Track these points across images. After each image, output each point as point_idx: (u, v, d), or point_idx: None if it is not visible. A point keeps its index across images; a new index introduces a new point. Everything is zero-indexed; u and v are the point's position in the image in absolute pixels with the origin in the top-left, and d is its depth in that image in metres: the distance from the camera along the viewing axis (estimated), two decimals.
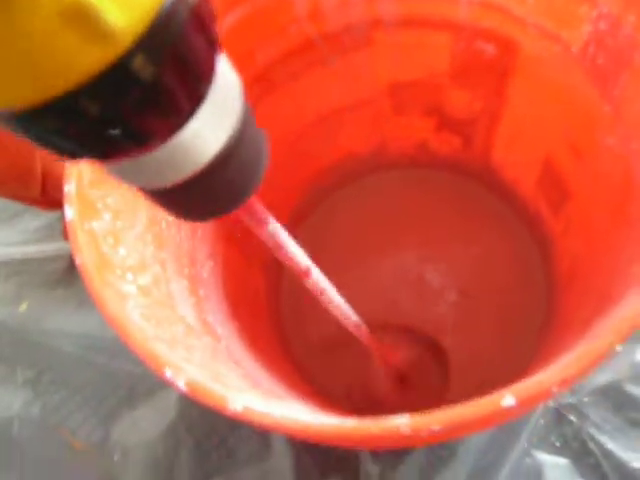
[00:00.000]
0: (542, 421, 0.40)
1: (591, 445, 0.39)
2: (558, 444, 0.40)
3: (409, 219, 0.42)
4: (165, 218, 0.26)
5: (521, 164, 0.35)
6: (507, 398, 0.14)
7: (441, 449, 0.39)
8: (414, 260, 0.40)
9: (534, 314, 0.36)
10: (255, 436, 0.39)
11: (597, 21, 0.23)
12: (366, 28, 0.31)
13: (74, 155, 0.11)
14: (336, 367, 0.38)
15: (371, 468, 0.38)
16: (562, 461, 0.39)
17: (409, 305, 0.39)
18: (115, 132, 0.10)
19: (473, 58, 0.31)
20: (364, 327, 0.28)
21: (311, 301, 0.39)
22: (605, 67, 0.24)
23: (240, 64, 0.29)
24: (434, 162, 0.41)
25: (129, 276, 0.21)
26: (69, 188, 0.20)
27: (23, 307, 0.46)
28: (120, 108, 0.10)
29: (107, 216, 0.22)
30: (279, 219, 0.41)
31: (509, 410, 0.14)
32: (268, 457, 0.40)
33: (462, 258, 0.39)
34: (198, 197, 0.13)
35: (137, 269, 0.22)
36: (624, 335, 0.14)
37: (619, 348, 0.16)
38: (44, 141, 0.10)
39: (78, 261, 0.19)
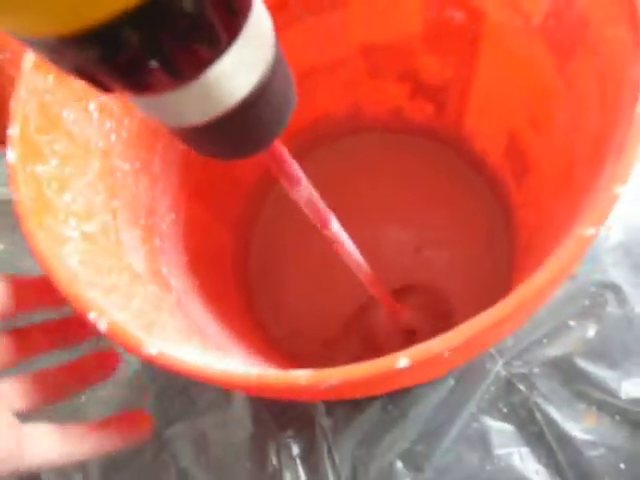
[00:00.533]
0: (492, 388, 0.41)
1: (537, 414, 0.41)
2: (505, 411, 0.41)
3: (383, 182, 0.42)
4: (121, 169, 0.27)
5: (489, 134, 0.36)
6: (402, 360, 0.14)
7: (394, 409, 0.40)
8: (389, 222, 0.41)
9: (499, 279, 0.37)
10: (215, 387, 0.40)
11: None
12: None
13: (109, 87, 0.11)
14: (304, 334, 0.39)
15: (325, 421, 0.40)
16: (508, 427, 0.41)
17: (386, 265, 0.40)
18: (154, 63, 0.10)
19: (444, 24, 0.30)
20: (378, 281, 0.28)
21: (282, 265, 0.40)
22: (562, 41, 0.24)
23: None
24: (408, 128, 0.41)
25: (72, 222, 0.21)
26: (13, 131, 0.20)
27: None
28: (162, 38, 0.10)
29: (54, 162, 0.22)
30: (255, 179, 0.41)
31: (403, 371, 0.15)
32: (228, 407, 0.41)
33: (433, 219, 0.40)
34: (228, 136, 0.14)
35: (83, 216, 0.22)
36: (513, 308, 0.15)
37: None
38: (83, 71, 0.11)
39: (14, 199, 0.19)
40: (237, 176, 0.39)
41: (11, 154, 0.20)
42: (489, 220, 0.38)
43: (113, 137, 0.26)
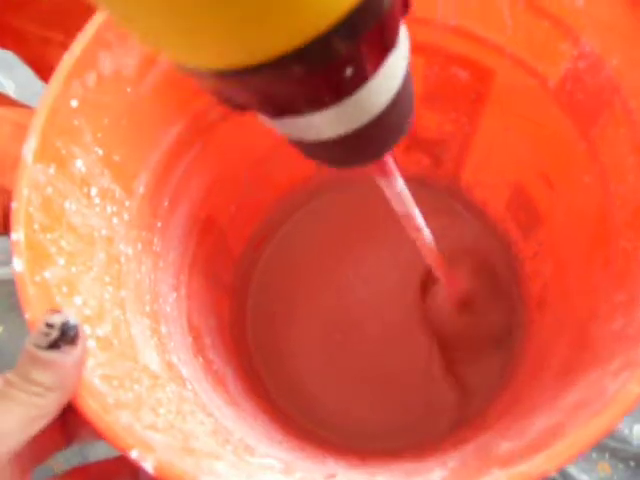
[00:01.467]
0: None
1: None
2: None
3: (379, 229, 0.41)
4: (125, 253, 0.25)
5: (490, 186, 0.35)
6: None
7: None
8: (389, 268, 0.40)
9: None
10: None
11: (577, 59, 0.22)
12: None
13: (280, 109, 0.12)
14: (310, 400, 0.37)
15: None
16: None
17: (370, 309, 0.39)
18: (348, 72, 0.11)
19: (446, 82, 0.30)
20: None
21: (280, 329, 0.39)
22: (583, 104, 0.24)
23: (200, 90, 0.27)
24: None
25: (87, 329, 0.19)
26: (17, 236, 0.18)
27: None
28: (360, 46, 0.11)
29: (61, 261, 0.20)
30: (243, 239, 0.39)
31: None
32: None
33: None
34: (355, 145, 0.14)
35: (95, 319, 0.20)
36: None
37: None
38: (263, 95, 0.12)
39: (27, 316, 0.17)
40: (229, 246, 0.37)
41: (18, 263, 0.18)
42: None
43: (115, 221, 0.24)
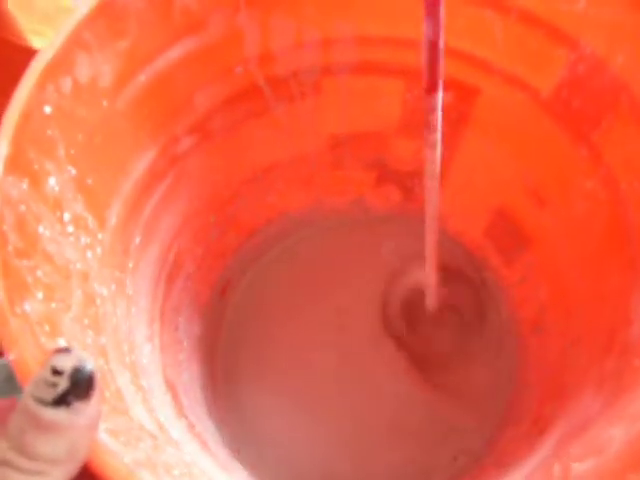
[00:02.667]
0: None
1: None
2: None
3: (349, 271, 0.39)
4: (100, 294, 0.21)
5: (468, 215, 0.35)
6: None
7: None
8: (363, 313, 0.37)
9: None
10: None
11: (575, 64, 0.22)
12: (316, 74, 0.28)
13: None
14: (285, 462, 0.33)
15: None
16: None
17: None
18: None
19: None
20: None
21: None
22: (581, 111, 0.23)
23: (178, 110, 0.25)
24: (368, 217, 0.39)
25: None
26: None
27: None
28: None
29: (39, 294, 0.16)
30: (209, 285, 0.36)
31: None
32: None
33: None
34: None
35: None
36: None
37: None
38: None
39: (13, 357, 0.13)
40: (197, 293, 0.33)
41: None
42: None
43: (89, 254, 0.20)
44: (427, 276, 0.31)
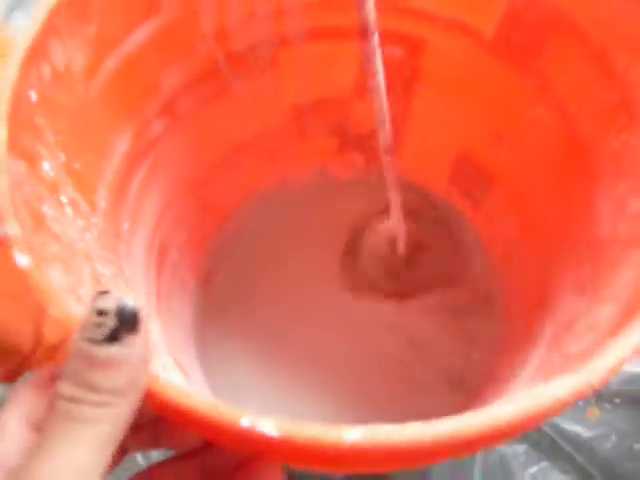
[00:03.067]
0: None
1: (545, 427, 0.41)
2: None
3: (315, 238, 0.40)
4: (103, 274, 0.21)
5: (431, 165, 0.36)
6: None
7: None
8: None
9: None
10: None
11: None
12: (271, 46, 0.29)
13: None
14: None
15: None
16: (522, 448, 0.40)
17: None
18: None
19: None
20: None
21: None
22: (523, 43, 0.25)
23: (147, 93, 0.26)
24: (336, 184, 0.41)
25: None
26: (14, 230, 0.15)
27: None
28: None
29: (58, 266, 0.16)
30: (193, 273, 0.36)
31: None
32: None
33: None
34: None
35: None
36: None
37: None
38: None
39: (53, 312, 0.14)
40: (183, 279, 0.34)
41: (22, 257, 0.14)
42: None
43: (88, 236, 0.21)
44: (394, 220, 0.33)
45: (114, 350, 0.13)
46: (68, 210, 0.20)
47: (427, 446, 0.12)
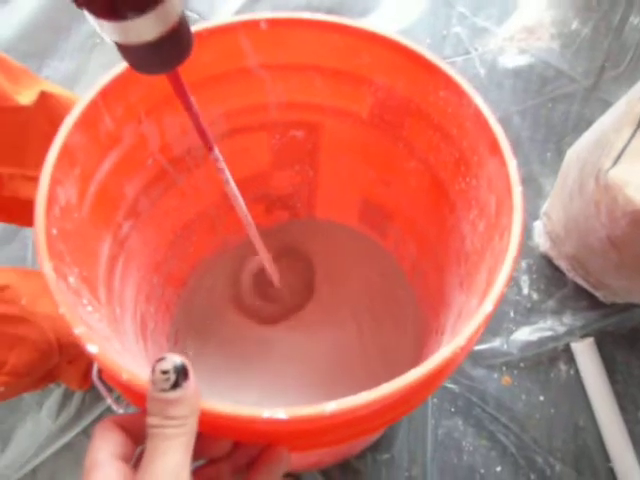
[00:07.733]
0: (435, 400, 0.50)
1: (474, 399, 0.50)
2: (453, 409, 0.50)
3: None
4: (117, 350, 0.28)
5: (343, 210, 0.46)
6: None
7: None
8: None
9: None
10: None
11: (375, 92, 0.34)
12: (202, 148, 0.37)
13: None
14: None
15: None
16: (459, 421, 0.49)
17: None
18: None
19: (288, 144, 0.40)
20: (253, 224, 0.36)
21: None
22: (390, 120, 0.35)
23: (116, 203, 0.33)
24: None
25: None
26: (39, 237, 0.22)
27: None
28: None
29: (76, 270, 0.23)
30: (165, 337, 0.43)
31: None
32: None
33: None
34: (161, 51, 0.20)
35: None
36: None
37: None
38: None
39: (62, 310, 0.21)
40: (160, 347, 0.41)
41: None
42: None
43: (101, 325, 0.27)
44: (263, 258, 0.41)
45: (179, 393, 0.20)
46: (89, 308, 0.26)
47: (376, 405, 0.20)
